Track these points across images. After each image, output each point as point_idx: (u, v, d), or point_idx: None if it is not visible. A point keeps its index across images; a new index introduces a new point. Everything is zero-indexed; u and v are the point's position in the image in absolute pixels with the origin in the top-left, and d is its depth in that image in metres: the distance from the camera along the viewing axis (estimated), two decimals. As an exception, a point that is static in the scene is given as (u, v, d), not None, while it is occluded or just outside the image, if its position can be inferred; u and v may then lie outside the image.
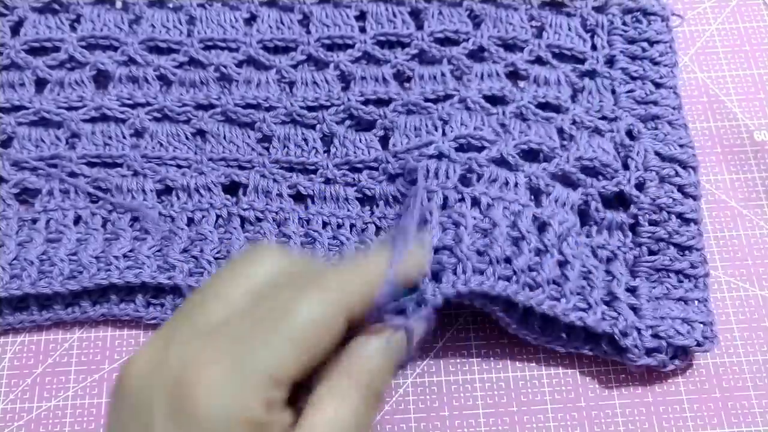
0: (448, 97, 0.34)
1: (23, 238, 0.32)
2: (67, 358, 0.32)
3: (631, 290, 0.30)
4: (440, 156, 0.32)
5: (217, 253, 0.32)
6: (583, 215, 0.32)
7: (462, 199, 0.30)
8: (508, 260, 0.28)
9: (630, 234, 0.31)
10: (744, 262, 0.33)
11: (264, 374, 0.21)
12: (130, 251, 0.31)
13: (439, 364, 0.31)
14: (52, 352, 0.32)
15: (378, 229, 0.32)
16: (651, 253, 0.31)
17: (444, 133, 0.33)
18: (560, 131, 0.33)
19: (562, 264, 0.29)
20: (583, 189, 0.32)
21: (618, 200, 0.32)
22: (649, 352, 0.29)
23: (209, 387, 0.20)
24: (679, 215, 0.31)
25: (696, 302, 0.31)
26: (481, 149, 0.32)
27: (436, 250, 0.27)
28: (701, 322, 0.30)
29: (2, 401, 0.31)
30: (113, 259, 0.31)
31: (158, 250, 0.32)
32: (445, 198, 0.30)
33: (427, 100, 0.34)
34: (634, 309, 0.30)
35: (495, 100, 0.35)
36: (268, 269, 0.23)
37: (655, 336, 0.29)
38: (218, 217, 0.33)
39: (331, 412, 0.22)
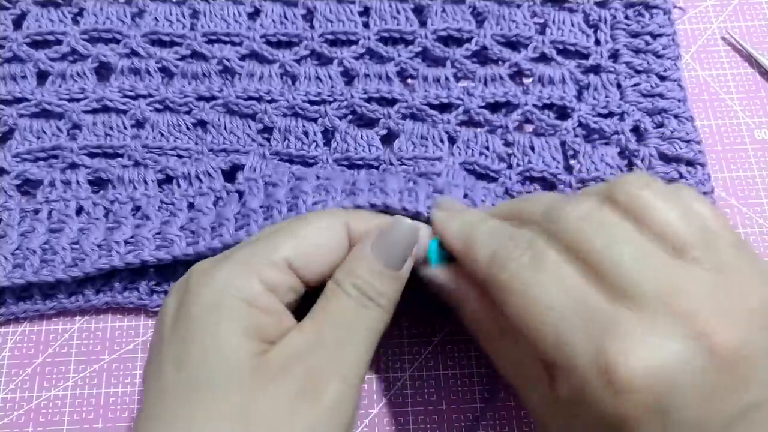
0: (452, 106, 0.35)
1: (26, 229, 0.32)
2: (68, 348, 0.32)
3: None
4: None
5: (212, 223, 0.31)
6: None
7: None
8: None
9: None
10: (743, 260, 0.33)
11: (261, 257, 0.24)
12: (132, 237, 0.31)
13: (437, 357, 0.31)
14: (53, 342, 0.32)
15: None
16: None
17: (452, 153, 0.33)
18: (563, 144, 0.33)
19: None
20: None
21: None
22: None
23: (208, 279, 0.23)
24: None
25: None
26: (486, 177, 0.33)
27: None
28: None
29: (2, 390, 0.31)
30: (114, 245, 0.31)
31: (158, 233, 0.31)
32: None
33: (431, 106, 0.34)
34: None
35: (499, 104, 0.35)
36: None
37: None
38: (218, 198, 0.32)
39: (326, 317, 0.24)
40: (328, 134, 0.34)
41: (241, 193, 0.32)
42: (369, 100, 0.35)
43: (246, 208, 0.30)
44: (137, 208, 0.33)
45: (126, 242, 0.31)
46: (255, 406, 0.22)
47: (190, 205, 0.32)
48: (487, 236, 0.24)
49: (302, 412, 0.22)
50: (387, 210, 0.28)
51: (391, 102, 0.35)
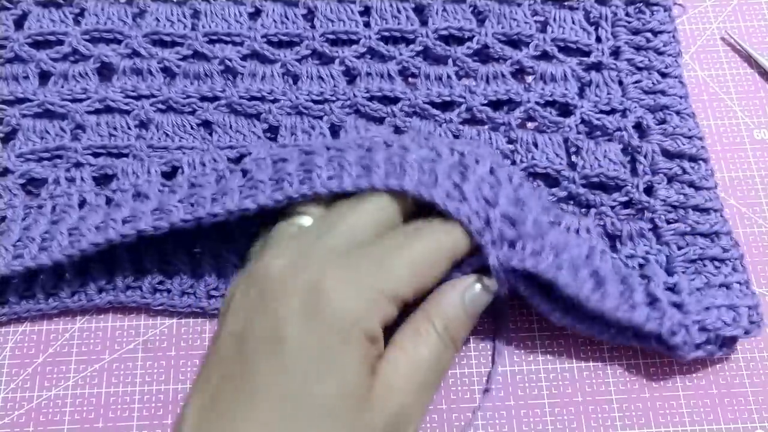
0: (454, 104, 0.35)
1: (28, 223, 0.32)
2: (68, 348, 0.32)
3: (672, 288, 0.30)
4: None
5: (214, 194, 0.30)
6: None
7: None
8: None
9: (654, 237, 0.31)
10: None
11: (385, 291, 0.24)
12: (130, 215, 0.31)
13: (438, 357, 0.31)
14: (53, 342, 0.32)
15: None
16: (680, 248, 0.31)
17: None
18: (566, 141, 0.34)
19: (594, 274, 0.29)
20: (595, 209, 0.32)
21: (631, 202, 0.32)
22: (699, 345, 0.29)
23: (339, 294, 0.24)
24: (695, 207, 0.32)
25: (738, 285, 0.30)
26: None
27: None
28: (747, 306, 0.29)
29: (3, 390, 0.31)
30: (111, 222, 0.30)
31: (156, 208, 0.30)
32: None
33: (433, 104, 0.35)
34: (678, 306, 0.29)
35: (501, 102, 0.35)
36: (388, 213, 0.27)
37: (703, 329, 0.29)
38: (220, 177, 0.32)
39: (412, 349, 0.25)
40: (335, 129, 0.34)
41: (245, 172, 0.31)
42: (371, 98, 0.35)
43: (253, 180, 0.29)
44: (138, 194, 0.32)
45: (124, 221, 0.30)
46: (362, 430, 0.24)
47: (192, 185, 0.32)
48: None
49: None
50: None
51: (394, 100, 0.35)
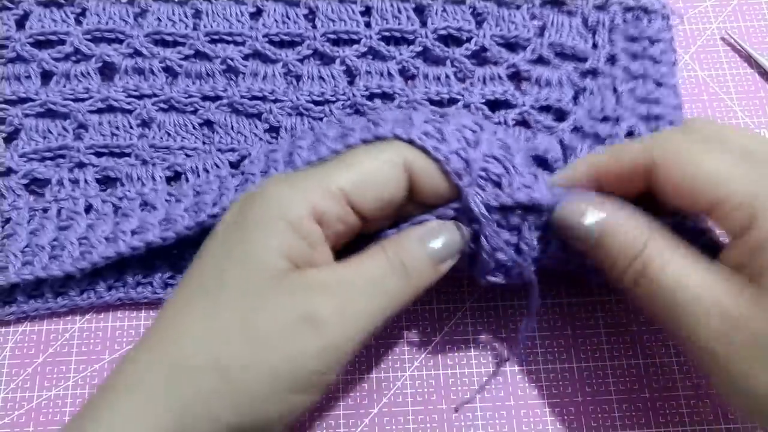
0: (452, 101, 0.35)
1: (35, 227, 0.32)
2: (68, 348, 0.32)
3: None
4: None
5: (214, 199, 0.31)
6: None
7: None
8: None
9: None
10: (742, 260, 0.33)
11: (316, 183, 0.25)
12: (138, 227, 0.31)
13: (437, 357, 0.31)
14: (53, 342, 0.32)
15: None
16: None
17: None
18: (560, 143, 0.34)
19: None
20: None
21: None
22: None
23: (266, 190, 0.25)
24: None
25: None
26: None
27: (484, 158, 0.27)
28: None
29: (3, 390, 0.31)
30: (120, 234, 0.31)
31: (163, 219, 0.31)
32: None
33: (431, 101, 0.35)
34: None
35: (498, 103, 0.35)
36: None
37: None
38: (223, 183, 0.32)
39: (355, 261, 0.25)
40: None
41: (245, 174, 0.32)
42: (371, 96, 0.35)
43: (246, 174, 0.30)
44: (145, 203, 0.33)
45: (133, 232, 0.31)
46: (262, 311, 0.24)
47: (197, 193, 0.32)
48: (635, 142, 0.27)
49: (298, 335, 0.23)
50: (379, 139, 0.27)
51: (392, 97, 0.35)
